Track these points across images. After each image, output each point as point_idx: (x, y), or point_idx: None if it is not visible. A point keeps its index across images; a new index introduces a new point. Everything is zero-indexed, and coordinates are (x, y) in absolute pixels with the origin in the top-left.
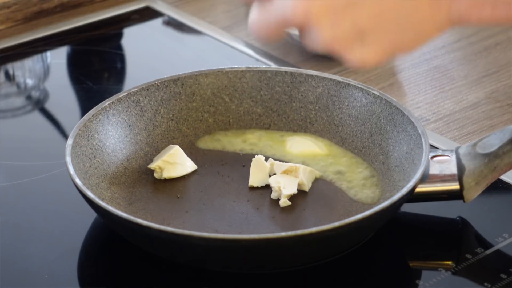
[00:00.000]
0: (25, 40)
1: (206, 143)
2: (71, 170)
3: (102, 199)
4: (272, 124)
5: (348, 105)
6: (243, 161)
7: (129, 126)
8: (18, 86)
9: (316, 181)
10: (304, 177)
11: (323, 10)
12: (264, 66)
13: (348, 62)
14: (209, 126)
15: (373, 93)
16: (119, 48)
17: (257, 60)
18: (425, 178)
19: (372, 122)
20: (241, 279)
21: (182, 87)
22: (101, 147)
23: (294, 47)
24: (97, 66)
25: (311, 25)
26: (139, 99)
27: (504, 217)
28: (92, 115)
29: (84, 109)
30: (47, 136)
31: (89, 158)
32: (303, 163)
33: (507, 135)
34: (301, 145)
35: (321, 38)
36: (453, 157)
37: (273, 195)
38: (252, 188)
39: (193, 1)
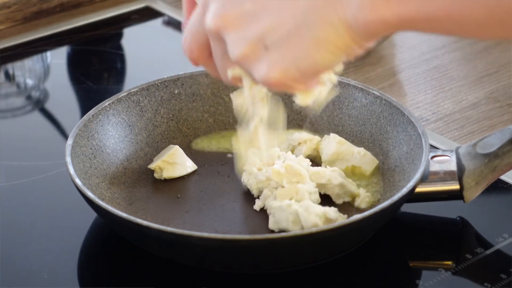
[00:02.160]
0: (25, 40)
1: (206, 143)
2: (71, 170)
3: (102, 199)
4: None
5: (348, 105)
6: None
7: (129, 126)
8: (18, 86)
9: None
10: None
11: (234, 18)
12: None
13: (254, 78)
14: (209, 126)
15: (373, 93)
16: (119, 48)
17: None
18: (425, 178)
19: (372, 122)
20: (241, 279)
21: (182, 87)
22: (101, 147)
23: None
24: (97, 66)
25: (222, 33)
26: (139, 99)
27: (504, 217)
28: (92, 115)
29: (84, 109)
30: (47, 136)
31: (89, 158)
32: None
33: (507, 135)
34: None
35: (230, 49)
36: (453, 157)
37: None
38: None
39: None
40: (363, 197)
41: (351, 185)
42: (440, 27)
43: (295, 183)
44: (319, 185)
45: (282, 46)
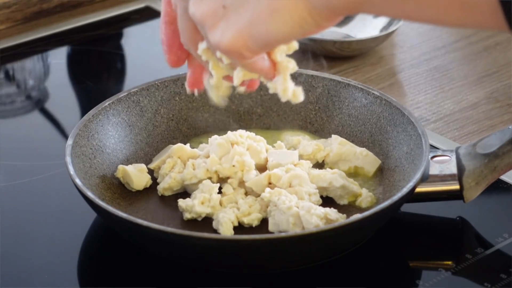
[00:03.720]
0: (25, 40)
1: (206, 143)
2: (71, 170)
3: (102, 199)
4: (272, 124)
5: (348, 105)
6: None
7: (129, 126)
8: (18, 86)
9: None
10: None
11: None
12: None
13: (209, 41)
14: (209, 126)
15: (373, 93)
16: (119, 48)
17: None
18: (425, 178)
19: (372, 122)
20: (241, 279)
21: (182, 87)
22: (101, 147)
23: None
24: (97, 66)
25: None
26: (139, 99)
27: (504, 217)
28: (92, 115)
29: (84, 109)
30: (47, 136)
31: (89, 158)
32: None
33: (507, 135)
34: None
35: (191, 8)
36: (453, 157)
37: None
38: None
39: None
40: (365, 196)
41: (353, 185)
42: (401, 9)
43: (296, 185)
44: (320, 188)
45: (239, 8)
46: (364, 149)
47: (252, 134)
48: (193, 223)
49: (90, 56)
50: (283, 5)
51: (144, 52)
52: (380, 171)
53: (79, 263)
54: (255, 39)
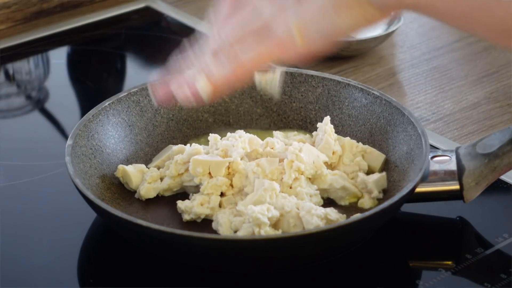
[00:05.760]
0: (25, 40)
1: (206, 143)
2: (71, 170)
3: (102, 199)
4: (272, 124)
5: (348, 105)
6: None
7: (129, 126)
8: (18, 86)
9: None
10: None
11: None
12: None
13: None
14: (209, 126)
15: (373, 93)
16: (119, 48)
17: None
18: (425, 178)
19: (372, 122)
20: (241, 279)
21: None
22: (101, 147)
23: None
24: (97, 66)
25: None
26: (139, 99)
27: (504, 217)
28: (92, 115)
29: (84, 109)
30: (47, 136)
31: (89, 158)
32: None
33: (507, 135)
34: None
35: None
36: (453, 157)
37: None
38: None
39: (193, 1)
40: (367, 197)
41: (354, 187)
42: (452, 22)
43: (296, 187)
44: (321, 190)
45: (309, 1)
46: (367, 146)
47: (252, 136)
48: (193, 224)
49: (90, 56)
50: (345, 2)
51: (144, 52)
52: (386, 165)
53: (79, 263)
54: (319, 30)
